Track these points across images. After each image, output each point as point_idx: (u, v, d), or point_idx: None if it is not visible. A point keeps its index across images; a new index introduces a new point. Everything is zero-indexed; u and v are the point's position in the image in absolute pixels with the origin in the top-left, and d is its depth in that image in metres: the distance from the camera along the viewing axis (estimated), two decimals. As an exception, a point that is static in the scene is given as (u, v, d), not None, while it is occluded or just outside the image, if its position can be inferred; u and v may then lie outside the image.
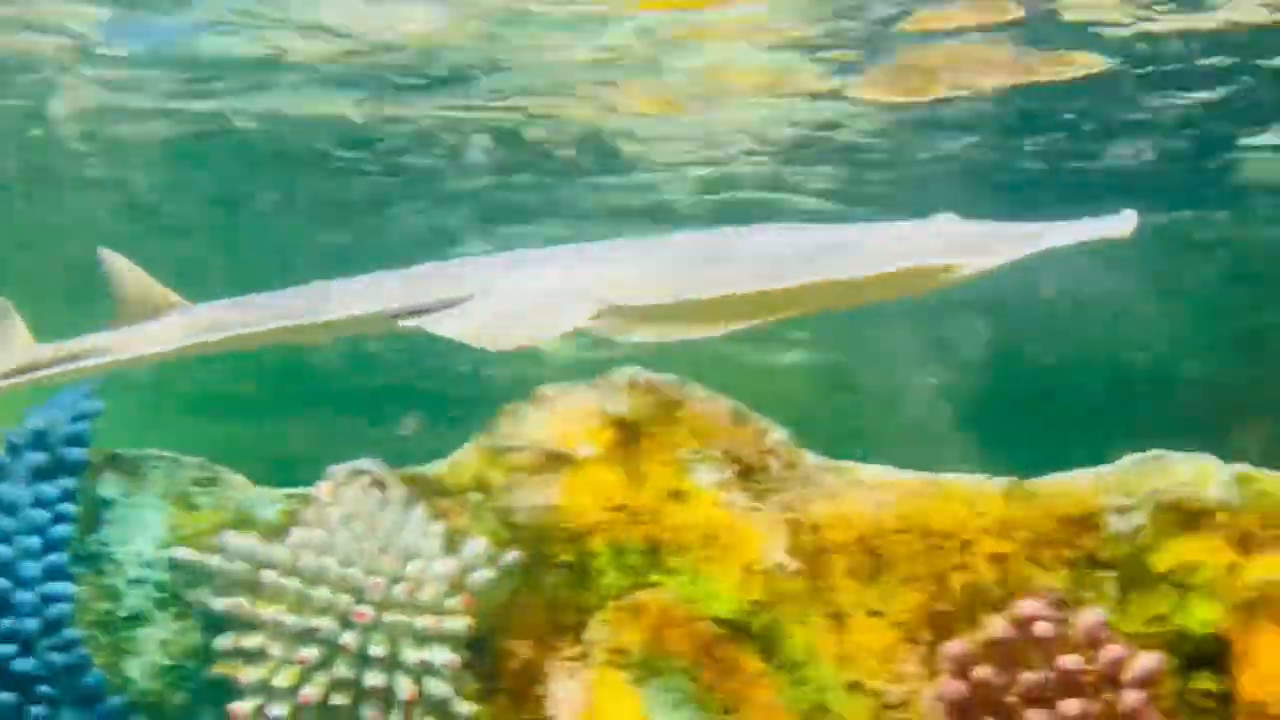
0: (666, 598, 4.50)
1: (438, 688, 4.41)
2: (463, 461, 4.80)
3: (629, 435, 4.67)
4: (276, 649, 4.43)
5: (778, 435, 4.71)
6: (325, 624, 4.45)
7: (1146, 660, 4.05)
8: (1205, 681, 4.15)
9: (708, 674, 4.39)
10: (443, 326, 3.99)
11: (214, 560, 4.61)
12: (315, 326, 4.17)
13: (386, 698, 4.40)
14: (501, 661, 4.62)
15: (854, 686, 4.42)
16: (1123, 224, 3.45)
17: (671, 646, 4.41)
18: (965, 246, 3.70)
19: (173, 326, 4.34)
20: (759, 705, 4.39)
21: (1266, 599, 4.06)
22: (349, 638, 4.40)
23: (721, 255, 3.88)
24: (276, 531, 4.69)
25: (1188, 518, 4.23)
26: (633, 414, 4.70)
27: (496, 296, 3.97)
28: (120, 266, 4.39)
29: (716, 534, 4.55)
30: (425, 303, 4.08)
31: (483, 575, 4.57)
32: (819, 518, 4.54)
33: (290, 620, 4.42)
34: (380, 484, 4.76)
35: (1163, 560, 4.24)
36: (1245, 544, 4.18)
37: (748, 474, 4.63)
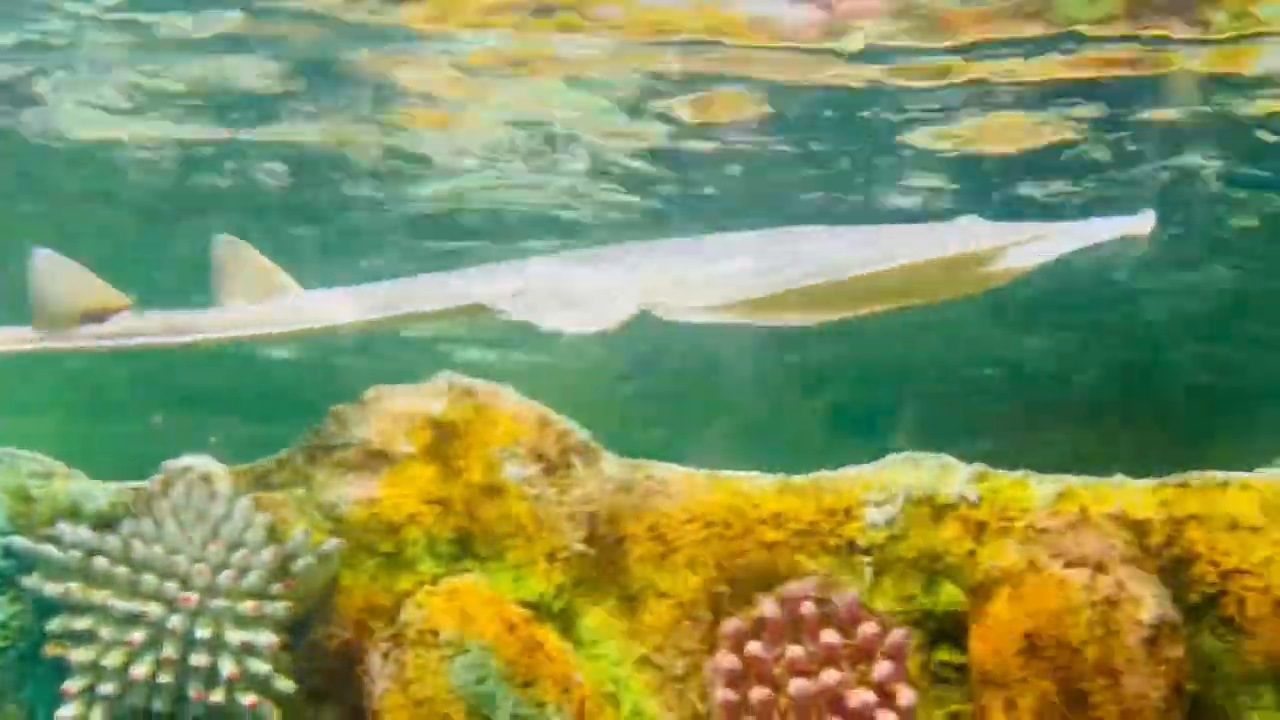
0: (475, 583, 4.52)
1: (259, 667, 4.41)
2: (289, 458, 4.78)
3: (445, 435, 4.69)
4: (106, 632, 4.36)
5: (580, 436, 4.79)
6: (153, 609, 4.39)
7: (896, 635, 4.26)
8: (947, 654, 4.37)
9: (511, 651, 4.39)
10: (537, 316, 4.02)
11: (48, 549, 4.49)
12: (437, 314, 4.16)
13: (210, 676, 4.37)
14: (321, 642, 4.60)
15: (642, 660, 4.53)
16: (1143, 223, 3.56)
17: (478, 627, 4.41)
18: (1017, 240, 3.71)
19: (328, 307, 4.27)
20: (556, 678, 4.42)
21: (997, 581, 4.26)
22: (175, 621, 4.36)
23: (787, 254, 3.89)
24: (110, 522, 4.59)
25: (934, 510, 4.44)
26: (449, 415, 4.72)
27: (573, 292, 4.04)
28: (238, 250, 4.31)
29: (523, 525, 4.60)
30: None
31: (303, 563, 4.56)
32: (614, 510, 4.62)
33: (120, 605, 4.36)
34: (208, 479, 4.71)
35: (912, 547, 4.44)
36: (980, 535, 4.38)
37: (552, 471, 4.67)
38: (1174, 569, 4.24)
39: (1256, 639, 4.16)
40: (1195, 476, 4.36)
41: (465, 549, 4.63)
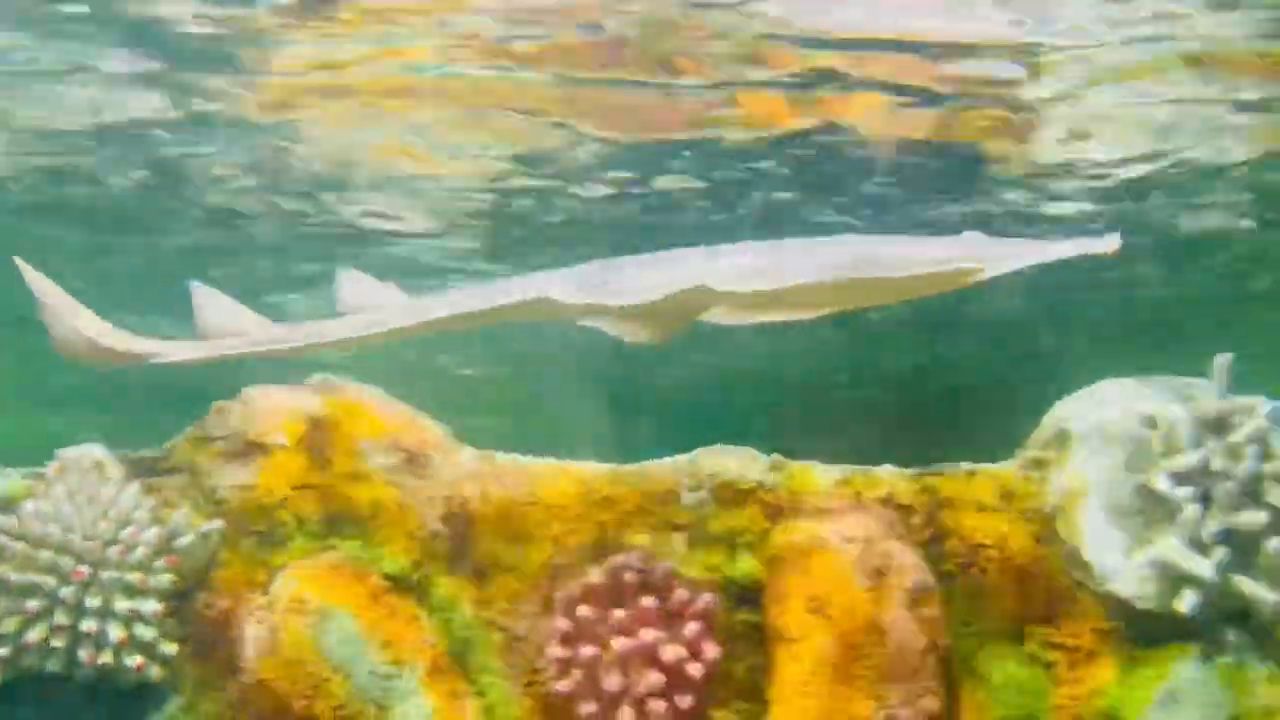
0: (340, 558, 4.70)
1: (145, 632, 4.54)
2: (175, 447, 4.92)
3: (316, 428, 4.87)
4: (3, 602, 4.45)
5: (439, 431, 5.02)
6: (47, 580, 4.49)
7: (704, 599, 4.55)
8: (745, 615, 4.63)
9: (371, 616, 4.56)
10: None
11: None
12: (520, 309, 4.31)
13: (100, 641, 4.49)
14: (202, 611, 4.72)
15: (489, 623, 4.73)
16: (1109, 243, 3.73)
17: (342, 597, 4.58)
18: (991, 255, 3.91)
19: (424, 306, 4.47)
20: (412, 639, 4.59)
21: (787, 553, 4.58)
22: (67, 592, 4.48)
23: (810, 255, 4.08)
24: (10, 504, 4.69)
25: (736, 494, 4.72)
26: (320, 411, 4.90)
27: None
28: (354, 277, 4.55)
29: (385, 508, 4.78)
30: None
31: (185, 541, 4.70)
32: (468, 495, 4.82)
33: (15, 577, 4.45)
34: (100, 466, 4.83)
35: (718, 525, 4.71)
36: (775, 514, 4.69)
37: (413, 461, 4.87)
38: (931, 543, 4.62)
39: (997, 600, 4.57)
40: (949, 467, 4.76)
41: (333, 529, 4.79)
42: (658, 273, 4.24)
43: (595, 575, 4.61)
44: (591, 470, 4.86)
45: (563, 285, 4.33)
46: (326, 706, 4.47)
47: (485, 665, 4.69)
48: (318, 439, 4.87)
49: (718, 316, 4.25)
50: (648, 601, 4.54)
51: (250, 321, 4.59)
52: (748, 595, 4.67)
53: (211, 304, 4.62)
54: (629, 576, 4.60)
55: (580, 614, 4.56)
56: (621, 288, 4.19)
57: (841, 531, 4.58)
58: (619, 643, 4.50)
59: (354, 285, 4.63)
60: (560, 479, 4.85)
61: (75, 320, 4.55)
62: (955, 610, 4.57)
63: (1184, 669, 4.30)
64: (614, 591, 4.59)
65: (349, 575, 4.68)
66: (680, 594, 4.56)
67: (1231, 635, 4.29)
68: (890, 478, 4.74)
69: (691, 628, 4.51)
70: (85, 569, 4.53)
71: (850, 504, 4.68)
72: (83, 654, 4.50)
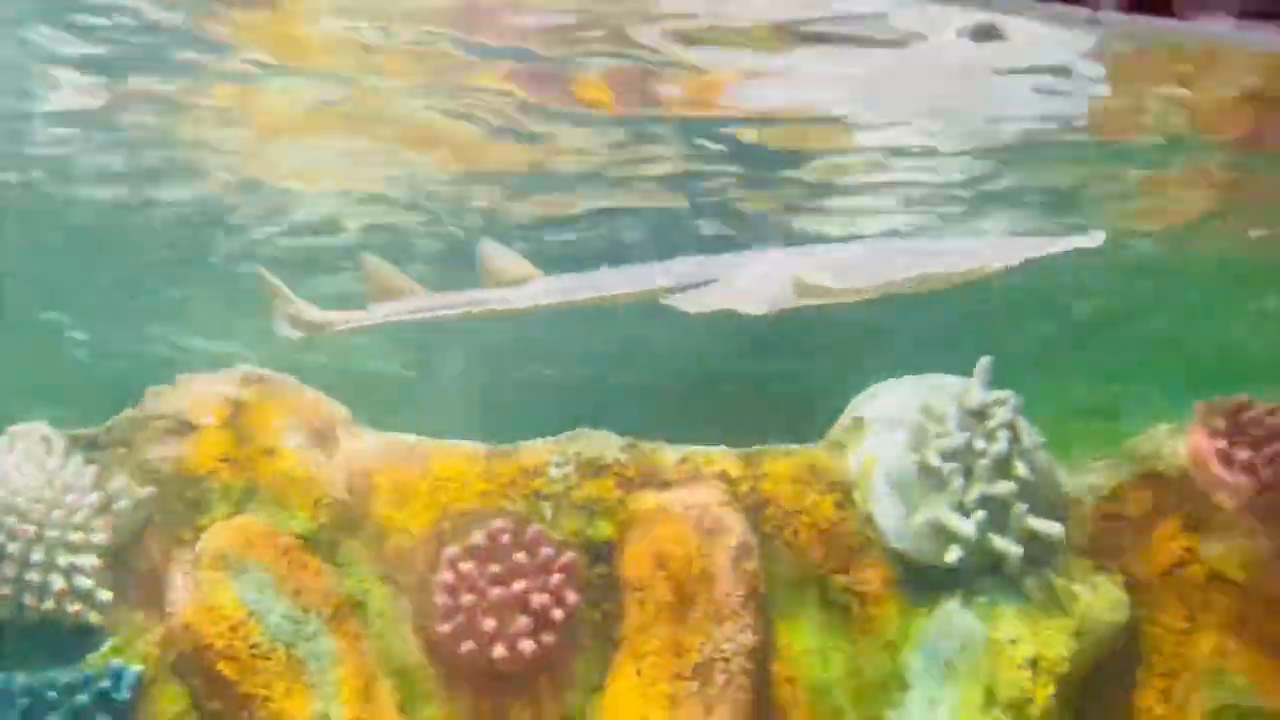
0: (256, 520, 4.89)
1: (83, 582, 4.68)
2: (114, 425, 5.07)
3: (238, 410, 5.06)
4: None
5: (344, 412, 5.27)
6: None
7: (567, 556, 4.87)
8: (601, 570, 4.97)
9: (282, 569, 4.77)
10: (701, 302, 4.84)
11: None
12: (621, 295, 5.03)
13: (43, 590, 4.63)
14: (135, 565, 4.88)
15: (385, 577, 4.96)
16: (1093, 239, 4.29)
17: (258, 553, 4.79)
18: (997, 253, 4.56)
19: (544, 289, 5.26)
20: (318, 589, 4.82)
21: (637, 519, 4.95)
22: (14, 547, 4.63)
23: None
24: None
25: (597, 469, 5.04)
26: (242, 396, 5.10)
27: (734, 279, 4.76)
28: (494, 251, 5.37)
29: (296, 479, 4.97)
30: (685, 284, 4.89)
31: (122, 504, 4.86)
32: (368, 468, 5.07)
33: None
34: (46, 439, 4.96)
35: (580, 495, 5.01)
36: (627, 485, 5.03)
37: (321, 439, 5.11)
38: (754, 510, 5.01)
39: (805, 556, 5.00)
40: (771, 449, 5.16)
41: (251, 496, 4.96)
42: (762, 267, 4.85)
43: (475, 536, 4.89)
44: (474, 449, 5.12)
45: (664, 278, 5.07)
46: (243, 645, 4.66)
47: (381, 612, 4.91)
48: (239, 419, 5.05)
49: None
50: (519, 558, 4.86)
51: (412, 289, 5.47)
52: (603, 553, 4.98)
53: (380, 274, 5.58)
54: (504, 537, 4.90)
55: (462, 568, 4.84)
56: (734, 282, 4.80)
57: (682, 500, 4.97)
58: (494, 592, 4.81)
59: (496, 257, 5.39)
60: (447, 456, 5.11)
61: (292, 304, 5.78)
62: (771, 564, 4.97)
63: (950, 607, 4.81)
64: (491, 550, 4.88)
65: (263, 535, 4.87)
66: (547, 551, 4.88)
67: (987, 582, 4.81)
68: (723, 456, 5.13)
69: (555, 579, 4.85)
70: (31, 528, 4.65)
71: (690, 478, 5.06)
72: (28, 600, 4.62)
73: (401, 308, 5.63)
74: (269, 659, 4.71)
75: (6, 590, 4.64)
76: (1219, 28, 4.74)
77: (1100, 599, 4.89)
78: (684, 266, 5.19)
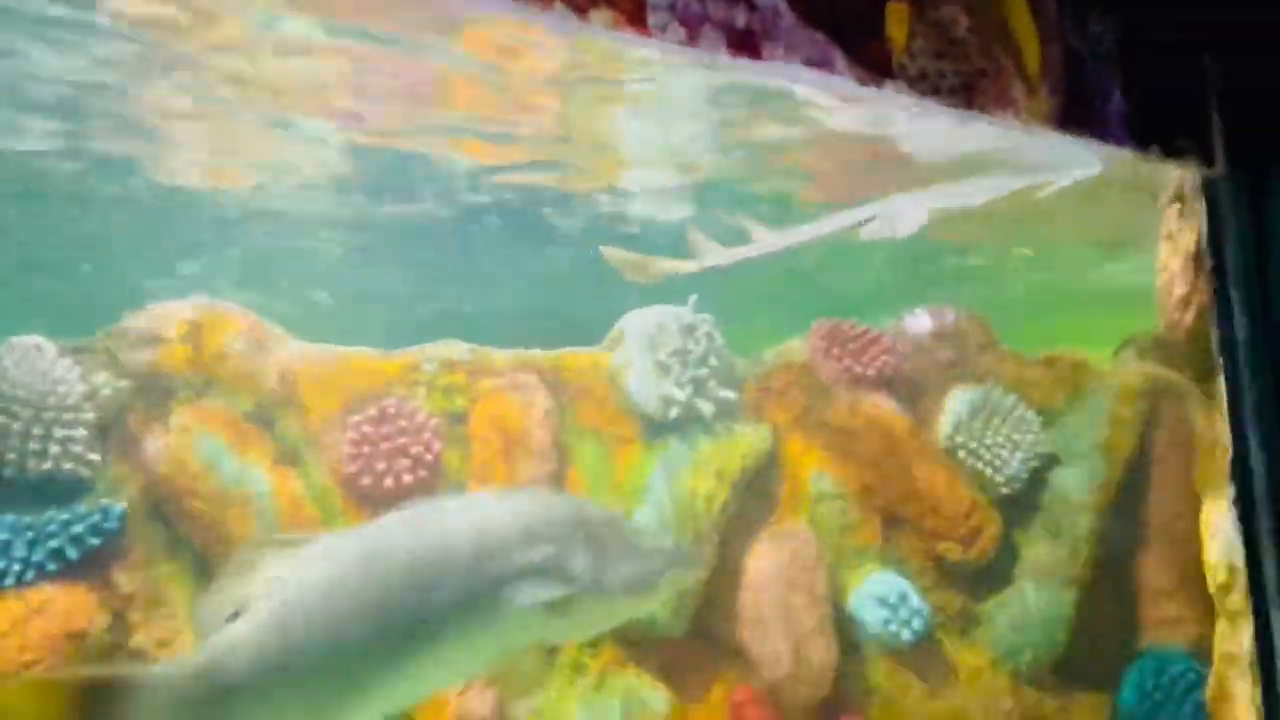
0: (211, 403, 5.15)
1: (75, 447, 4.75)
2: (96, 339, 5.04)
3: (195, 327, 5.15)
4: None
5: (276, 329, 5.38)
6: (2, 419, 4.54)
7: (434, 421, 5.25)
8: (457, 429, 5.35)
9: (231, 436, 5.06)
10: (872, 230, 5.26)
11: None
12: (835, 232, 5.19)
13: (42, 453, 4.72)
14: (120, 435, 4.96)
15: (310, 442, 5.28)
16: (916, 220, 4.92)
17: (212, 425, 5.09)
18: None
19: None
20: (259, 450, 5.14)
21: (482, 397, 5.40)
22: (17, 425, 4.69)
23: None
24: None
25: (452, 365, 5.40)
26: (198, 317, 5.19)
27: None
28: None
29: (241, 375, 5.21)
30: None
31: (106, 392, 4.90)
32: (293, 367, 5.31)
33: None
34: (39, 347, 4.95)
35: (443, 382, 5.39)
36: (473, 375, 5.34)
37: (259, 347, 5.24)
38: (557, 389, 5.59)
39: (587, 416, 5.54)
40: (568, 350, 5.69)
41: (208, 388, 5.12)
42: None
43: (371, 410, 5.24)
44: (371, 353, 5.39)
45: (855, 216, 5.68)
46: (205, 487, 4.91)
47: (306, 462, 5.18)
48: (196, 333, 5.14)
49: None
50: (402, 423, 5.27)
51: (759, 233, 5.68)
52: (459, 419, 5.39)
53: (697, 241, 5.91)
54: (391, 410, 5.26)
55: (363, 430, 5.21)
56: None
57: (511, 384, 5.52)
58: (385, 445, 5.24)
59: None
60: (353, 358, 5.35)
61: (640, 261, 6.02)
62: (566, 420, 5.56)
63: (672, 443, 5.59)
64: (382, 418, 5.27)
65: (216, 413, 5.05)
66: (420, 418, 5.30)
67: (693, 428, 5.64)
68: (536, 355, 5.61)
69: (427, 435, 5.29)
70: (30, 410, 4.65)
71: (515, 369, 5.56)
72: (30, 463, 4.65)
73: (750, 250, 6.15)
74: (224, 496, 4.95)
75: (13, 455, 4.60)
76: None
77: (757, 436, 5.79)
78: (860, 211, 5.62)
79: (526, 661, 2.76)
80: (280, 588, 2.54)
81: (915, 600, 5.62)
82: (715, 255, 6.68)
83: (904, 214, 5.92)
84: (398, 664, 2.54)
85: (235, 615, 2.54)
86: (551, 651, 4.91)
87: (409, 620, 2.57)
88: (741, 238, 6.77)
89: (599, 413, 5.70)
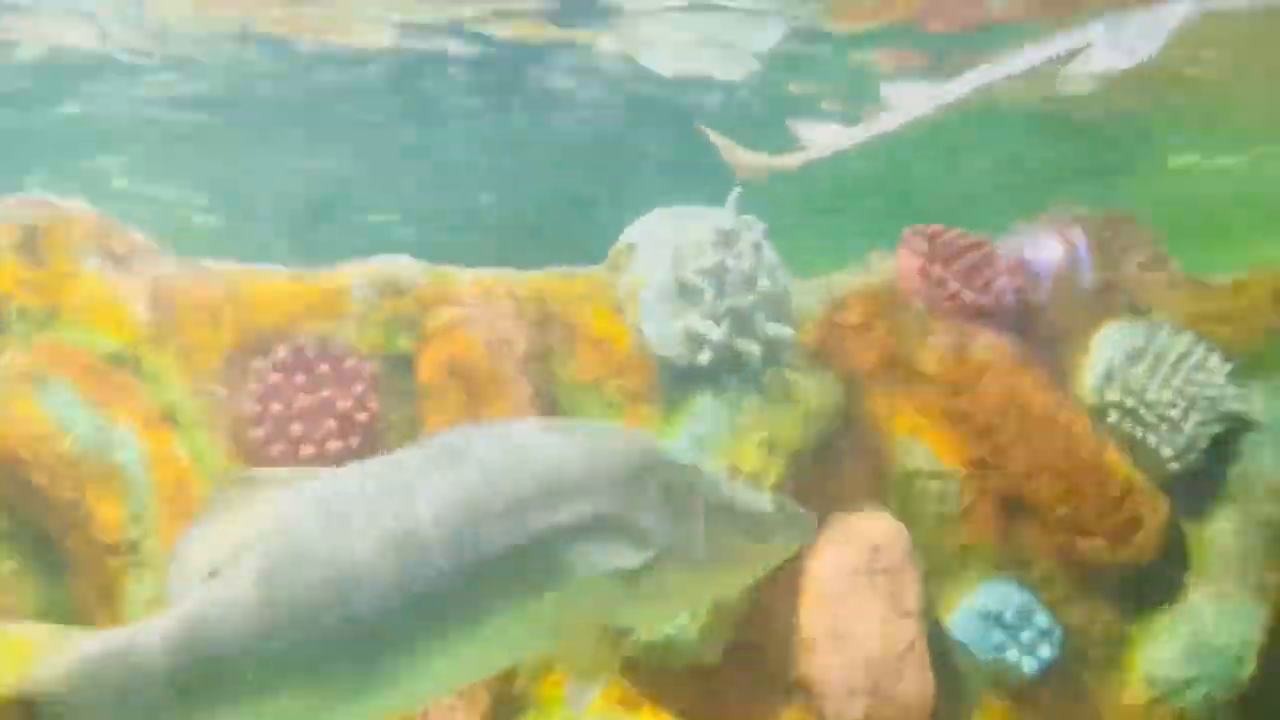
0: (59, 339, 4.18)
1: None
2: None
3: (32, 235, 4.24)
4: None
5: (144, 238, 4.47)
6: None
7: (368, 366, 4.31)
8: (401, 380, 4.41)
9: (88, 385, 4.12)
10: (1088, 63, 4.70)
11: None
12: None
13: None
14: None
15: (196, 390, 4.29)
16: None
17: (60, 369, 4.11)
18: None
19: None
20: (127, 404, 4.17)
21: (435, 333, 4.38)
22: None
23: None
24: None
25: (398, 289, 4.42)
26: (35, 221, 4.28)
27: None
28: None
29: (99, 299, 4.24)
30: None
31: None
32: (171, 290, 4.34)
33: None
34: None
35: (383, 312, 4.41)
36: (428, 304, 4.41)
37: (121, 262, 4.34)
38: (540, 325, 4.53)
39: (583, 361, 4.54)
40: (554, 271, 4.65)
41: (53, 318, 4.21)
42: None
43: (280, 351, 4.28)
44: (277, 273, 4.42)
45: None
46: (52, 454, 3.98)
47: (193, 422, 4.25)
48: (34, 244, 4.21)
49: None
50: (324, 369, 4.29)
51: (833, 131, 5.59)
52: (405, 363, 4.44)
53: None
54: (310, 351, 4.31)
55: (270, 380, 4.25)
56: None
57: (477, 316, 4.44)
58: (302, 400, 4.25)
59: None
60: (253, 279, 4.41)
61: (742, 154, 5.53)
62: (553, 368, 4.54)
63: (702, 400, 4.52)
64: (297, 362, 4.30)
65: (66, 353, 4.14)
66: (350, 363, 4.33)
67: (732, 379, 4.53)
68: (512, 278, 4.59)
69: (359, 388, 4.32)
70: None
71: (481, 297, 4.52)
72: None
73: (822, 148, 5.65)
74: (78, 467, 4.01)
75: None
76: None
77: (822, 390, 4.70)
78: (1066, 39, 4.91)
79: (588, 639, 2.27)
80: (271, 537, 2.17)
81: (1043, 618, 4.66)
82: (835, 137, 5.54)
83: (1138, 29, 4.46)
84: (424, 641, 2.14)
85: (214, 573, 2.16)
86: (539, 674, 4.16)
87: (437, 585, 2.15)
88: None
89: (600, 357, 4.62)
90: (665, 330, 4.58)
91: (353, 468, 2.31)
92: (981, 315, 4.82)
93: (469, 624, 2.15)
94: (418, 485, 2.19)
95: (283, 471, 2.49)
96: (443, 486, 2.17)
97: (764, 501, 2.43)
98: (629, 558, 2.22)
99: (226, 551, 2.17)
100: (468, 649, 2.18)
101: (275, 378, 4.25)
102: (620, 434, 2.89)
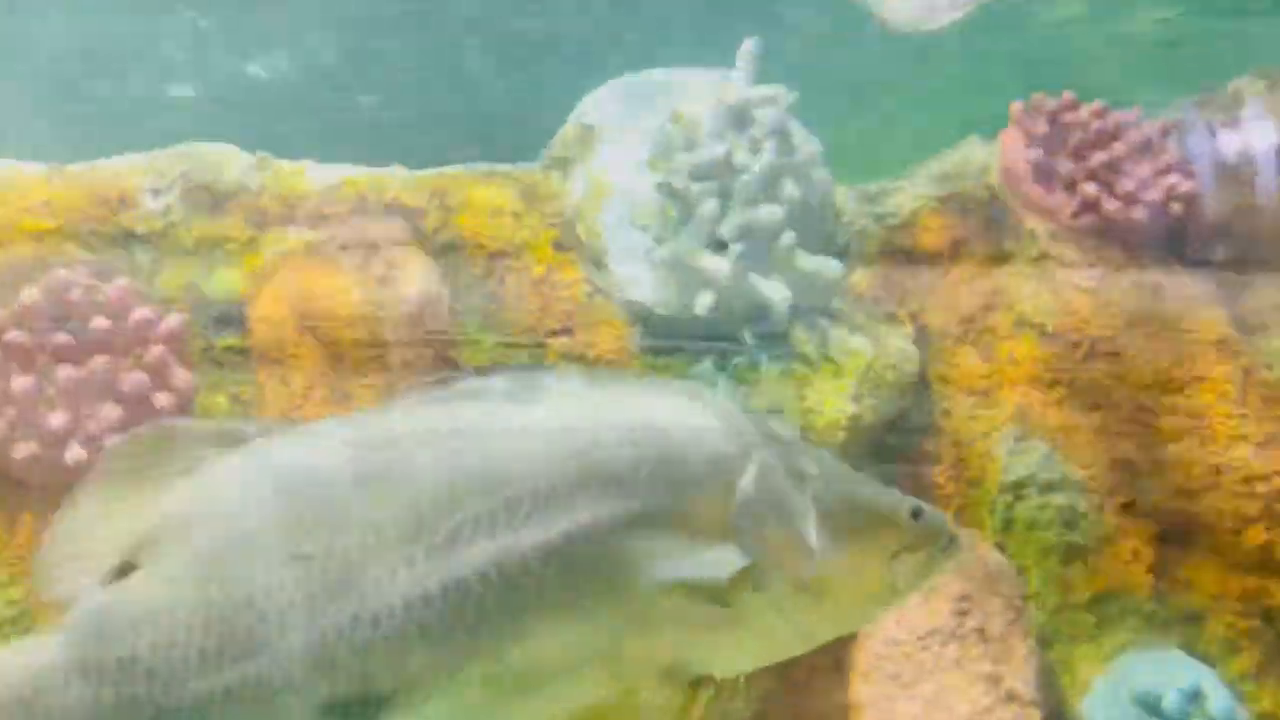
0: None
1: None
2: None
3: None
4: None
5: None
6: None
7: (172, 320, 3.06)
8: (229, 340, 3.16)
9: None
10: None
11: None
12: None
13: None
14: None
15: None
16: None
17: None
18: None
19: None
20: None
21: (275, 266, 3.20)
22: None
23: None
24: None
25: (214, 198, 3.22)
26: None
27: None
28: None
29: None
30: None
31: None
32: None
33: None
34: None
35: (191, 235, 3.20)
36: (262, 222, 3.22)
37: None
38: (445, 253, 3.29)
39: (515, 312, 3.31)
40: (466, 167, 3.40)
41: None
42: None
43: (30, 294, 3.03)
44: (23, 169, 3.20)
45: None
46: None
47: None
48: None
49: None
50: (100, 323, 3.04)
51: None
52: (230, 316, 3.19)
53: None
54: (75, 295, 3.08)
55: (12, 339, 2.99)
56: None
57: (339, 239, 3.19)
58: (64, 372, 2.98)
59: None
60: None
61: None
62: (470, 320, 3.25)
63: (700, 371, 3.32)
64: (56, 311, 3.04)
65: None
66: (140, 314, 3.08)
67: (746, 336, 3.28)
68: (399, 180, 3.36)
69: (155, 351, 3.04)
70: None
71: (352, 208, 3.26)
72: None
73: None
74: None
75: None
76: None
77: (885, 353, 3.41)
78: None
79: (651, 682, 1.75)
80: (208, 520, 1.71)
81: (1224, 700, 3.51)
82: None
83: None
84: (432, 675, 1.68)
85: (126, 568, 1.72)
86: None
87: (448, 601, 1.69)
88: None
89: (538, 303, 3.35)
90: (644, 263, 3.33)
91: (326, 424, 1.85)
92: (1131, 237, 3.62)
93: (500, 649, 1.62)
94: (420, 459, 1.66)
95: (211, 425, 2.13)
96: (452, 464, 1.66)
97: (899, 500, 1.85)
98: (711, 566, 1.70)
99: (143, 539, 1.68)
100: (488, 689, 1.64)
101: (18, 336, 3.03)
102: (691, 393, 2.08)
